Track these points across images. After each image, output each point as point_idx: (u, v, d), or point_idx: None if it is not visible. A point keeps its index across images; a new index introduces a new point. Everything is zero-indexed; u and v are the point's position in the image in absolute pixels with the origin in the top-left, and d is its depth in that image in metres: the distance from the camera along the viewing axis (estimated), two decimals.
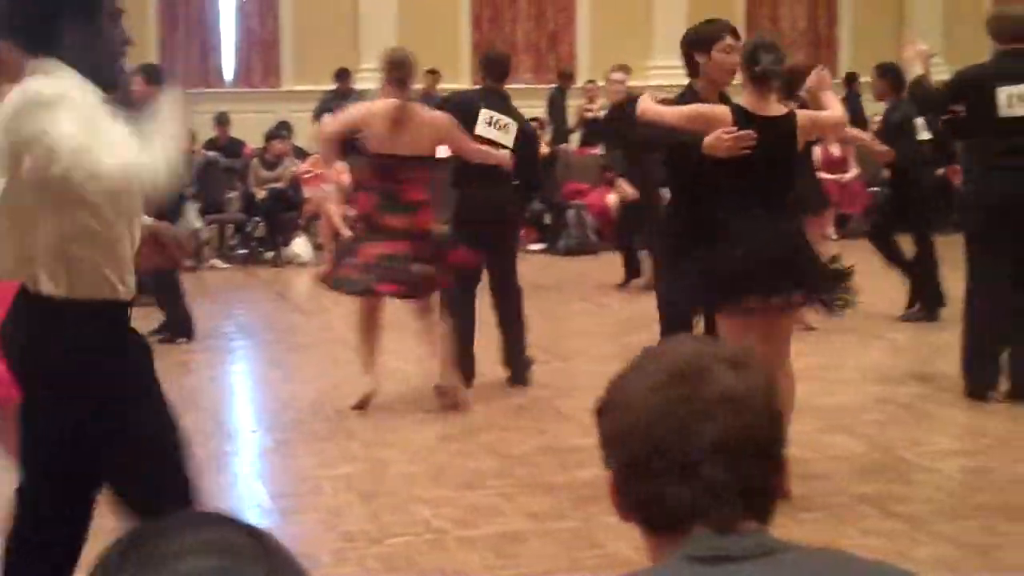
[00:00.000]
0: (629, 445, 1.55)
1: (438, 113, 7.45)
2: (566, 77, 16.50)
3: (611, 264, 12.64)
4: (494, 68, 8.06)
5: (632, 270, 12.10)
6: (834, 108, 5.80)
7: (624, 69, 12.60)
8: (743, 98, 5.57)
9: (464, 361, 7.62)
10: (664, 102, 5.75)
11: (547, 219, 14.83)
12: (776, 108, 5.56)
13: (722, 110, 5.51)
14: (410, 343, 9.47)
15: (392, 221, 7.13)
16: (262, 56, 17.32)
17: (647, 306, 10.75)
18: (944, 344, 8.86)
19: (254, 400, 8.14)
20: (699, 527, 1.50)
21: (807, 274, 5.47)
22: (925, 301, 9.78)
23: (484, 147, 7.51)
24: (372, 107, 7.36)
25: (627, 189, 11.74)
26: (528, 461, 6.22)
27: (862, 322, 9.59)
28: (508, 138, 7.77)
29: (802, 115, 5.64)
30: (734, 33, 5.92)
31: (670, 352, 1.57)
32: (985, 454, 6.21)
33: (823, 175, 14.45)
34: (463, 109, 7.78)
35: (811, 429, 6.37)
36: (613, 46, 16.46)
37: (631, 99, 11.67)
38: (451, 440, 6.65)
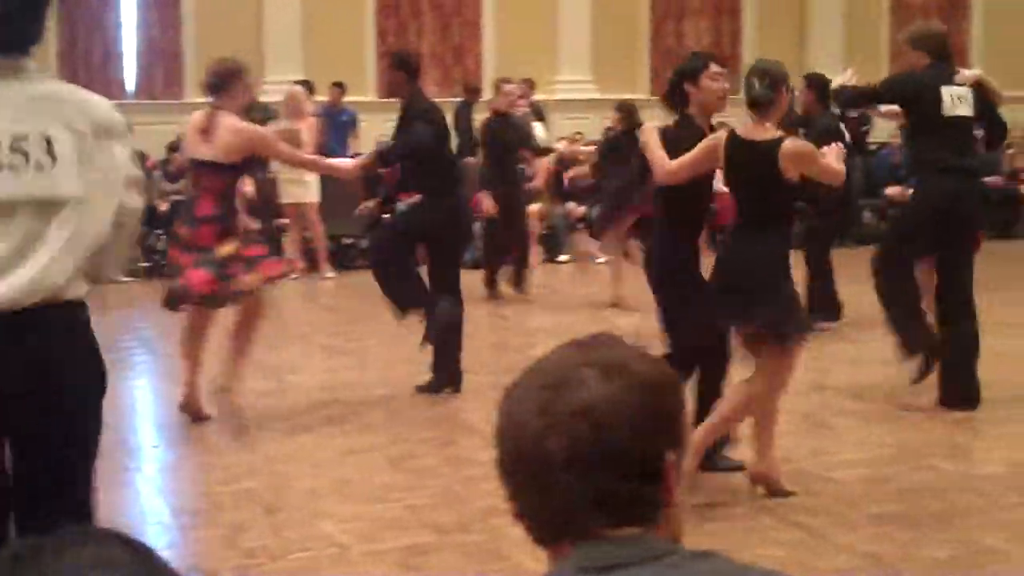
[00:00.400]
0: (500, 456, 1.56)
1: (248, 124, 7.34)
2: (472, 91, 16.51)
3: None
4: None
5: (493, 284, 12.15)
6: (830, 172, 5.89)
7: (528, 82, 12.67)
8: (741, 123, 5.85)
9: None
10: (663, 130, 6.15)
11: None
12: (764, 133, 5.71)
13: (722, 134, 5.85)
14: (316, 356, 9.44)
15: (182, 230, 7.24)
16: (164, 67, 17.13)
17: (551, 318, 10.89)
18: (842, 354, 9.01)
19: (156, 415, 8.03)
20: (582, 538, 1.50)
21: (757, 302, 5.60)
22: (823, 310, 9.92)
23: (312, 157, 7.69)
24: (192, 116, 7.37)
25: (489, 205, 11.87)
26: (434, 474, 6.20)
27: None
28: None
29: (792, 146, 5.70)
30: (718, 61, 6.30)
31: (547, 360, 1.57)
32: (884, 464, 6.30)
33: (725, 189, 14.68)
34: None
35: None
36: (519, 60, 16.53)
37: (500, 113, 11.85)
38: (356, 453, 6.62)
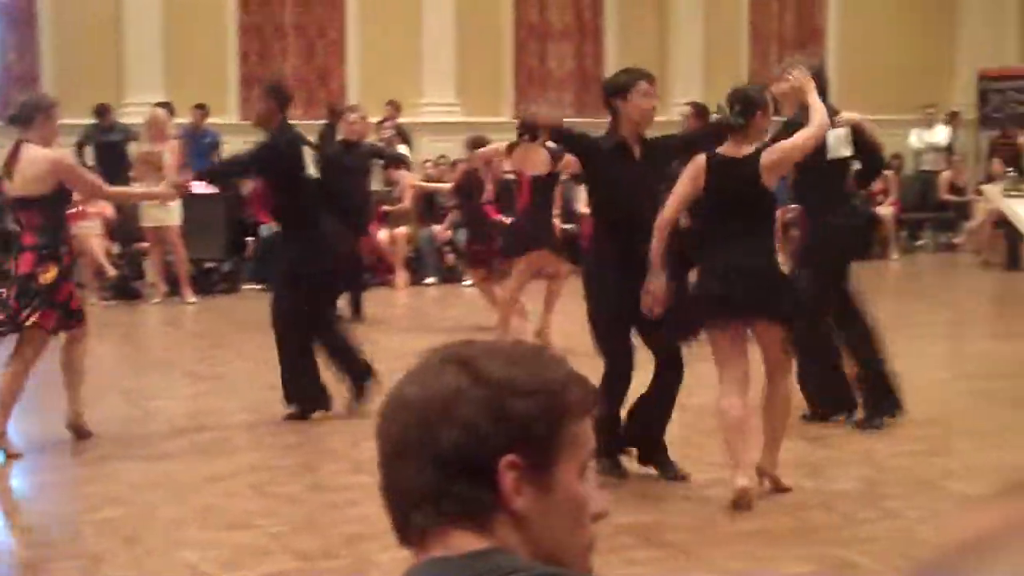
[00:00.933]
0: None
1: (51, 153, 7.20)
2: (336, 113, 16.44)
3: (386, 298, 12.64)
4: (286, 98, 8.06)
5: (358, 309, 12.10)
6: (812, 117, 6.36)
7: (393, 105, 12.66)
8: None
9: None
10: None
11: None
12: (742, 150, 6.07)
13: (701, 158, 6.12)
14: (179, 382, 9.31)
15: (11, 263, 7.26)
16: (22, 90, 16.76)
17: (420, 341, 10.82)
18: (707, 375, 9.13)
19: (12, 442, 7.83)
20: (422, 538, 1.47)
21: (771, 298, 6.01)
22: None
23: (120, 189, 7.63)
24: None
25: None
26: (297, 500, 6.16)
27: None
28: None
29: (766, 154, 6.09)
30: (650, 79, 6.45)
31: (426, 353, 1.56)
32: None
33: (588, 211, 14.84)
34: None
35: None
36: (384, 82, 16.52)
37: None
38: (219, 480, 6.54)
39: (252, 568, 5.22)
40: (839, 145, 7.45)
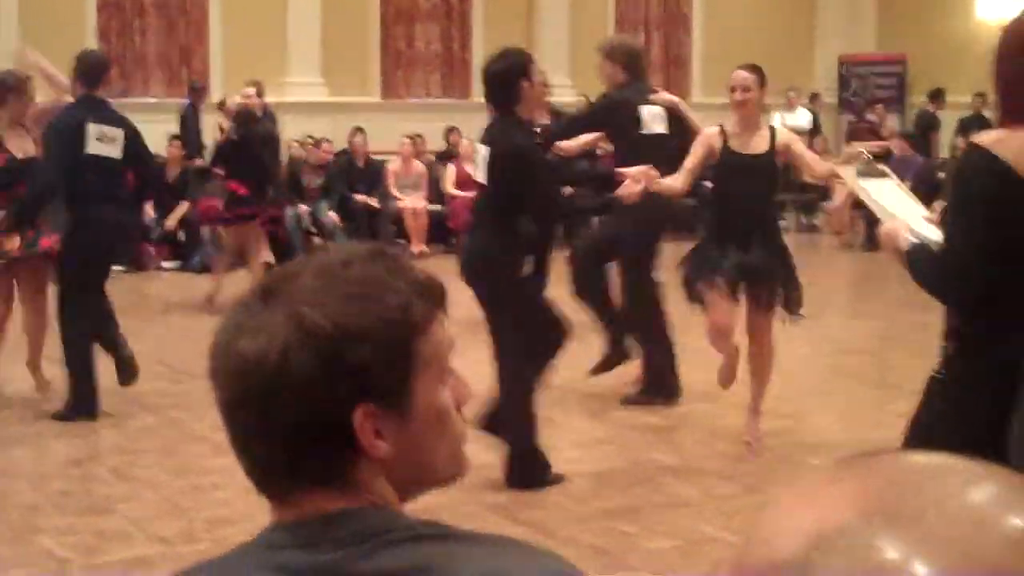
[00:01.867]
0: None
1: None
2: (199, 92, 16.20)
3: (247, 281, 12.46)
4: (92, 73, 7.76)
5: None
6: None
7: (256, 84, 12.50)
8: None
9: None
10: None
11: (181, 236, 14.53)
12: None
13: (714, 132, 6.65)
14: (14, 368, 9.08)
15: None
16: None
17: None
18: (569, 352, 9.19)
19: None
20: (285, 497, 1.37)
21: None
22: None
23: None
24: None
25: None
26: (158, 484, 6.05)
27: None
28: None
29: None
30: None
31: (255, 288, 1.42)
32: (609, 459, 6.48)
33: (456, 192, 14.84)
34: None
35: None
36: (248, 61, 16.29)
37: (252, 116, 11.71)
38: (77, 465, 6.40)
39: (112, 553, 5.13)
40: (652, 121, 7.64)
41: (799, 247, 17.35)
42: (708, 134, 6.70)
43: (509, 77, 5.89)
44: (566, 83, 17.45)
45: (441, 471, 1.43)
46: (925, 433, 3.28)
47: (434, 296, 1.39)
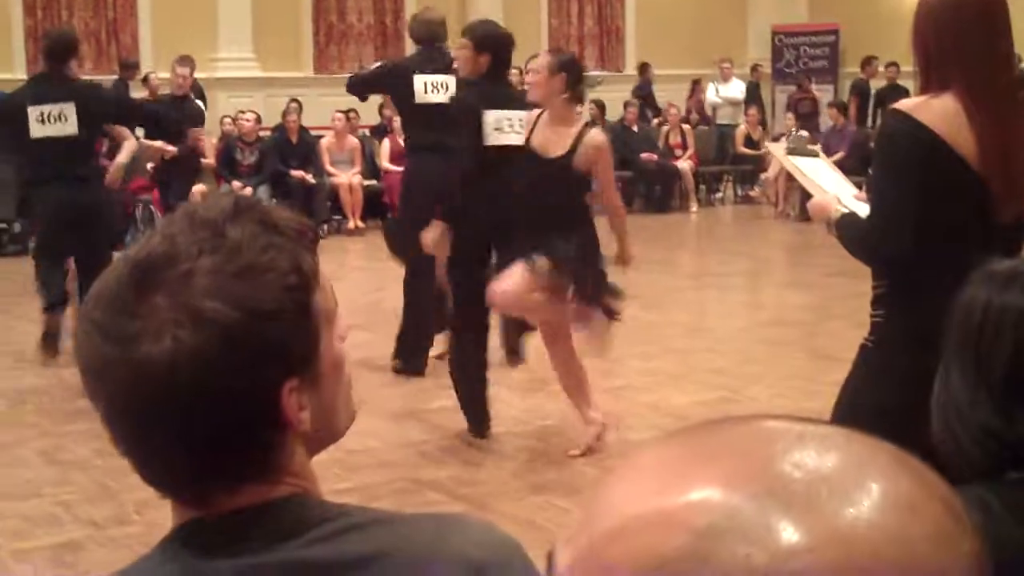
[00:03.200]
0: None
1: None
2: (129, 68, 15.97)
3: None
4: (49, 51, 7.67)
5: None
6: None
7: (186, 61, 12.36)
8: None
9: None
10: None
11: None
12: None
13: None
14: None
15: None
16: None
17: None
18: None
19: None
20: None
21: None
22: None
23: None
24: None
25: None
26: (86, 466, 5.96)
27: None
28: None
29: None
30: None
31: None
32: (546, 435, 6.45)
33: (391, 167, 14.75)
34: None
35: (379, 420, 6.44)
36: (177, 37, 16.08)
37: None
38: (4, 448, 6.29)
39: (41, 537, 5.06)
40: (429, 91, 7.78)
41: (736, 218, 17.50)
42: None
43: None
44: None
45: (343, 422, 1.34)
46: (853, 399, 3.29)
47: (311, 240, 1.27)
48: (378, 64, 8.97)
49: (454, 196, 6.22)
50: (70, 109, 7.40)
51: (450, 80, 7.62)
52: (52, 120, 7.35)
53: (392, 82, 8.00)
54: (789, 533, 0.63)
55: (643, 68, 19.70)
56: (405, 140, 8.60)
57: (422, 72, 7.71)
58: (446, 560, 1.23)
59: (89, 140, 7.60)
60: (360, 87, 8.37)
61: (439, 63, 7.78)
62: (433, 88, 7.69)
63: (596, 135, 5.94)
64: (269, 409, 1.21)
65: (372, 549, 1.22)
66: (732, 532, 0.63)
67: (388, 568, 1.21)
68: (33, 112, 7.30)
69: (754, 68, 20.29)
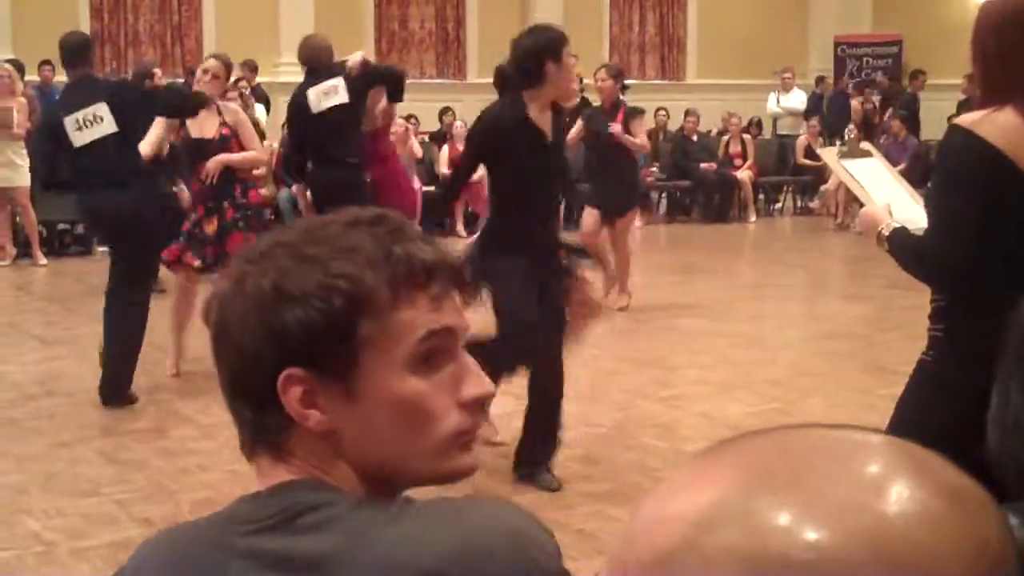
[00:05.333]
0: None
1: None
2: (193, 72, 16.13)
3: None
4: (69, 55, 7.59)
5: None
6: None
7: (249, 64, 12.47)
8: None
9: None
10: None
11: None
12: None
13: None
14: (28, 346, 9.08)
15: None
16: None
17: None
18: None
19: None
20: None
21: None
22: None
23: None
24: None
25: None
26: (145, 466, 6.04)
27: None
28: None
29: None
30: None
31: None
32: (597, 443, 6.45)
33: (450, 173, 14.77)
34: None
35: None
36: (242, 41, 16.24)
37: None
38: (64, 447, 6.38)
39: (98, 536, 5.11)
40: (322, 98, 8.45)
41: (795, 229, 17.41)
42: None
43: (533, 56, 5.56)
44: None
45: (417, 467, 1.32)
46: (911, 413, 3.27)
47: (409, 273, 1.28)
48: None
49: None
50: (103, 109, 7.31)
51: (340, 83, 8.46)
52: (88, 124, 7.29)
53: (293, 111, 8.84)
54: (766, 515, 0.65)
55: None
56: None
57: (312, 86, 8.60)
58: (391, 570, 1.20)
59: (129, 138, 7.51)
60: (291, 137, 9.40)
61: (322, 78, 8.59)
62: (324, 95, 8.46)
63: None
64: (269, 385, 1.27)
65: (326, 549, 1.22)
66: (721, 520, 0.66)
67: (334, 572, 1.21)
68: (69, 122, 7.23)
69: (820, 79, 20.15)
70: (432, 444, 1.31)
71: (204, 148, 7.91)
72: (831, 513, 0.65)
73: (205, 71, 8.07)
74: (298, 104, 8.69)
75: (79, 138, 7.24)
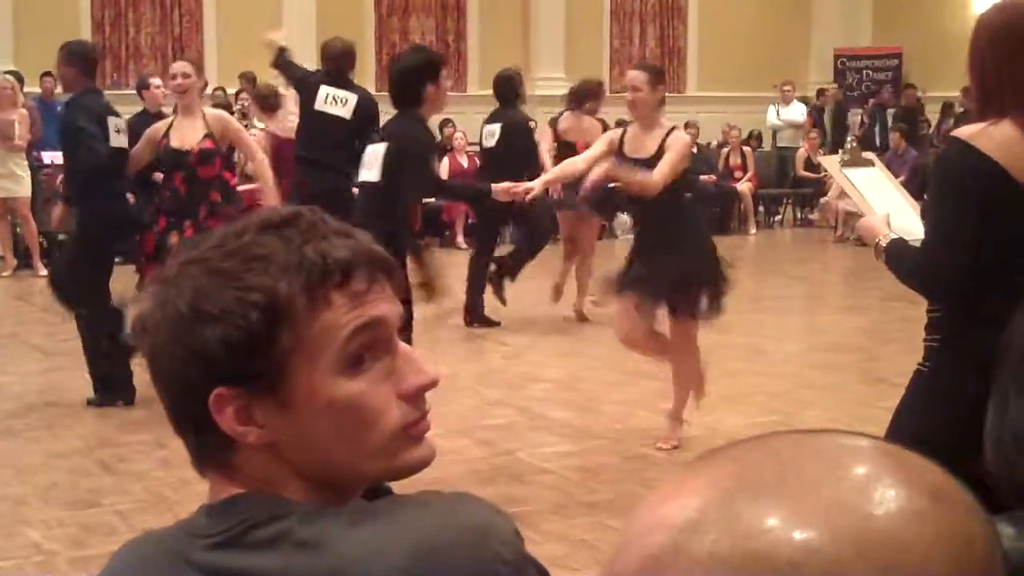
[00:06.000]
0: None
1: None
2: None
3: None
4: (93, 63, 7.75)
5: None
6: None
7: (247, 76, 12.47)
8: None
9: None
10: None
11: None
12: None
13: (617, 132, 6.42)
14: (28, 357, 9.08)
15: None
16: None
17: None
18: (555, 347, 9.21)
19: None
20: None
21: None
22: None
23: None
24: None
25: None
26: (145, 477, 6.04)
27: (485, 331, 9.85)
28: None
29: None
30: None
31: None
32: (597, 453, 6.46)
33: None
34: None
35: (431, 435, 6.46)
36: (241, 53, 16.26)
37: None
38: (64, 457, 6.39)
39: (98, 546, 5.11)
40: (331, 103, 8.73)
41: (795, 241, 17.42)
42: (610, 133, 6.84)
43: (413, 77, 5.96)
44: (560, 75, 17.44)
45: (369, 467, 1.29)
46: (908, 423, 3.28)
47: (325, 274, 1.24)
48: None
49: None
50: (122, 124, 7.59)
51: (351, 98, 8.66)
52: (119, 133, 7.49)
53: (302, 89, 9.13)
54: (751, 517, 0.66)
55: None
56: None
57: (328, 84, 8.81)
58: None
59: (66, 156, 7.66)
60: (290, 77, 9.51)
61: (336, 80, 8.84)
62: (333, 101, 8.68)
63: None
64: (198, 406, 1.23)
65: (281, 565, 1.19)
66: (703, 523, 0.67)
67: None
68: (111, 123, 7.42)
69: (821, 92, 20.18)
70: (379, 442, 1.28)
71: (180, 161, 7.53)
72: (817, 515, 0.65)
73: (173, 76, 7.68)
74: (309, 84, 8.88)
75: (115, 140, 7.52)
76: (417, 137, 6.04)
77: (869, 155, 3.98)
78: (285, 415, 1.24)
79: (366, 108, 8.63)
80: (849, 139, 16.42)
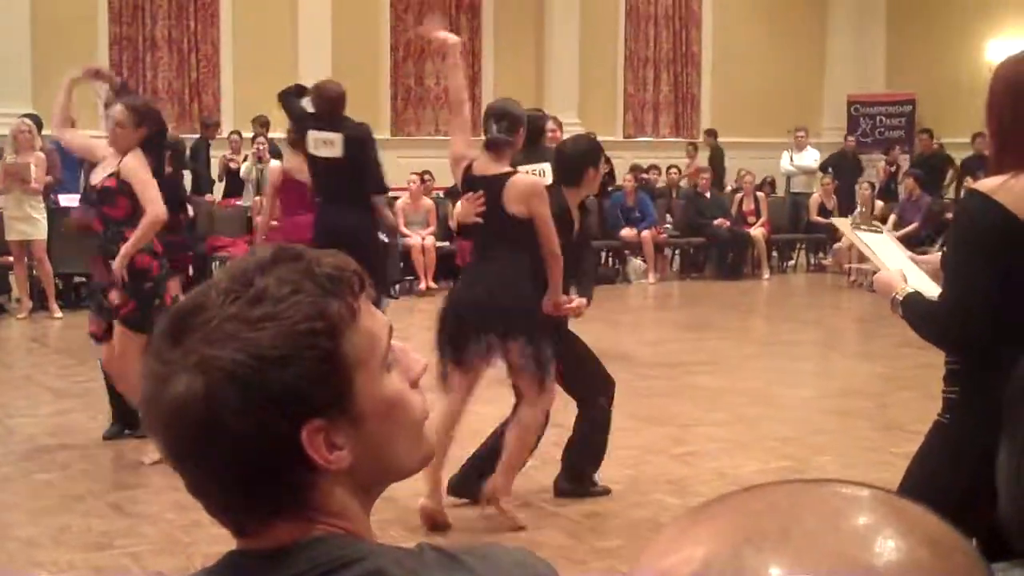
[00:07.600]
0: None
1: None
2: (210, 127, 16.27)
3: None
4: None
5: None
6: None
7: (260, 120, 12.55)
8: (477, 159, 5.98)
9: None
10: None
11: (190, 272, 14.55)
12: (498, 168, 5.89)
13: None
14: (42, 399, 9.10)
15: None
16: None
17: None
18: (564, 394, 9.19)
19: None
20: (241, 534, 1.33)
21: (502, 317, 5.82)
22: None
23: None
24: None
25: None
26: (158, 519, 6.04)
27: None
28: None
29: (520, 180, 5.91)
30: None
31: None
32: (610, 499, 6.44)
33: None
34: None
35: (440, 477, 6.46)
36: (258, 97, 16.36)
37: None
38: (77, 500, 6.39)
39: None
40: (319, 145, 8.78)
41: (808, 286, 17.43)
42: None
43: (582, 161, 6.21)
44: (575, 122, 17.50)
45: (406, 460, 1.36)
46: (926, 475, 3.28)
47: (348, 286, 1.29)
48: None
49: None
50: None
51: (338, 139, 8.68)
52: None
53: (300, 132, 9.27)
54: (760, 570, 0.67)
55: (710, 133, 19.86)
56: None
57: (316, 128, 8.84)
58: None
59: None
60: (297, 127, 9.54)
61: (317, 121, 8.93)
62: (321, 144, 8.74)
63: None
64: (290, 450, 1.25)
65: None
66: None
67: None
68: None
69: (844, 138, 20.20)
70: (415, 433, 1.36)
71: (89, 195, 7.63)
72: (820, 566, 0.66)
73: (110, 118, 7.15)
74: (303, 128, 9.11)
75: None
76: (560, 216, 6.06)
77: (877, 223, 4.03)
78: (359, 430, 1.29)
79: (355, 139, 8.74)
80: (859, 209, 16.50)
